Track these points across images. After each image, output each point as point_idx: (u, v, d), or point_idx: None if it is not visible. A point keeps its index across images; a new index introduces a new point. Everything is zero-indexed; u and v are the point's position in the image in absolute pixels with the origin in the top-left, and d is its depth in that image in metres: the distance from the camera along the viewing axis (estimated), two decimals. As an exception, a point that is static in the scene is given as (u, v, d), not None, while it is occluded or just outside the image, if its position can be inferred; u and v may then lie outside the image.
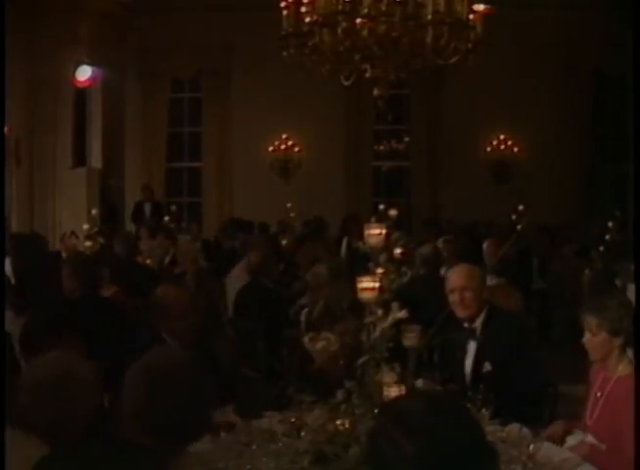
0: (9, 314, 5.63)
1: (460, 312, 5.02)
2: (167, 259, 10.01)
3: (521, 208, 13.56)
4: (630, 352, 4.16)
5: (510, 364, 4.75)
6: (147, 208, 15.10)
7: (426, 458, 1.89)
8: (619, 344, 4.04)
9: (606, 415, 4.00)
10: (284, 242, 11.42)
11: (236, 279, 8.68)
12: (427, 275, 7.61)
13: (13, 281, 6.73)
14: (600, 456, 3.88)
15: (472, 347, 4.98)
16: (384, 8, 6.98)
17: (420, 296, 6.66)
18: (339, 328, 4.28)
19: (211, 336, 5.55)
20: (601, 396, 4.09)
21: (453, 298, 5.05)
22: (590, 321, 4.07)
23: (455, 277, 5.14)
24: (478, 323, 4.99)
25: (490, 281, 6.27)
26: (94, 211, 11.58)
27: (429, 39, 7.22)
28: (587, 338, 4.11)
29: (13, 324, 5.21)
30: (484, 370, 4.85)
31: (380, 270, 3.48)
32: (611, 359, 4.08)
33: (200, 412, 2.78)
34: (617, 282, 7.85)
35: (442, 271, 7.89)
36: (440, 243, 9.03)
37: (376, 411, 3.04)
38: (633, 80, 9.98)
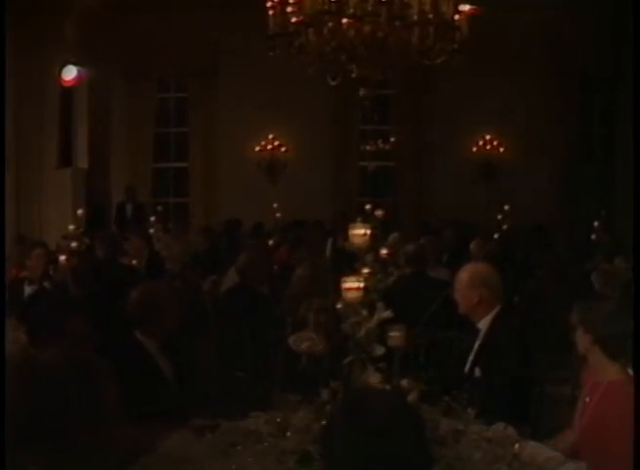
0: None
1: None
2: (143, 261, 9.96)
3: (506, 207, 13.64)
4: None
5: (502, 370, 4.75)
6: (128, 209, 15.10)
7: None
8: (591, 341, 4.00)
9: (595, 421, 3.95)
10: (271, 242, 11.42)
11: (231, 280, 8.67)
12: (412, 274, 7.58)
13: None
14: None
15: (475, 347, 5.01)
16: (370, 8, 6.99)
17: (406, 295, 6.67)
18: (323, 328, 4.28)
19: (197, 336, 5.55)
20: (590, 401, 4.04)
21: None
22: (575, 313, 4.11)
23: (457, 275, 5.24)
24: (482, 324, 5.02)
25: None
26: (80, 212, 11.54)
27: (415, 39, 7.24)
28: (575, 332, 4.12)
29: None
30: (475, 375, 4.86)
31: (366, 270, 3.48)
32: (595, 361, 4.05)
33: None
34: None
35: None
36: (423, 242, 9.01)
37: None
38: (633, 80, 10.00)
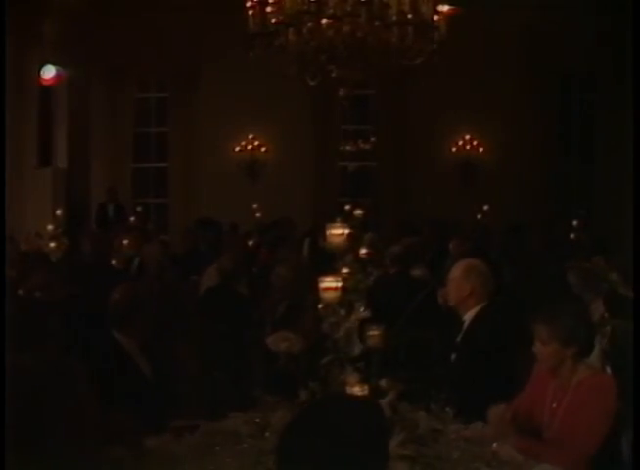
0: None
1: None
2: (137, 261, 9.94)
3: (486, 207, 13.67)
4: (589, 360, 4.18)
5: (478, 363, 4.81)
6: (110, 209, 15.06)
7: None
8: (572, 353, 3.96)
9: (569, 422, 3.93)
10: (250, 242, 11.40)
11: (208, 280, 8.65)
12: (396, 274, 7.67)
13: None
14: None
15: (458, 339, 5.14)
16: (349, 8, 7.00)
17: (389, 294, 6.72)
18: (302, 328, 4.28)
19: (176, 336, 5.54)
20: (558, 406, 4.00)
21: None
22: (541, 330, 3.99)
23: None
24: (467, 317, 5.11)
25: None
26: (59, 212, 11.49)
27: (394, 39, 7.25)
28: (537, 347, 4.03)
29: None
30: (451, 360, 4.97)
31: (345, 270, 3.49)
32: (563, 369, 4.00)
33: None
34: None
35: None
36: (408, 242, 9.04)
37: None
38: (633, 80, 10.03)
